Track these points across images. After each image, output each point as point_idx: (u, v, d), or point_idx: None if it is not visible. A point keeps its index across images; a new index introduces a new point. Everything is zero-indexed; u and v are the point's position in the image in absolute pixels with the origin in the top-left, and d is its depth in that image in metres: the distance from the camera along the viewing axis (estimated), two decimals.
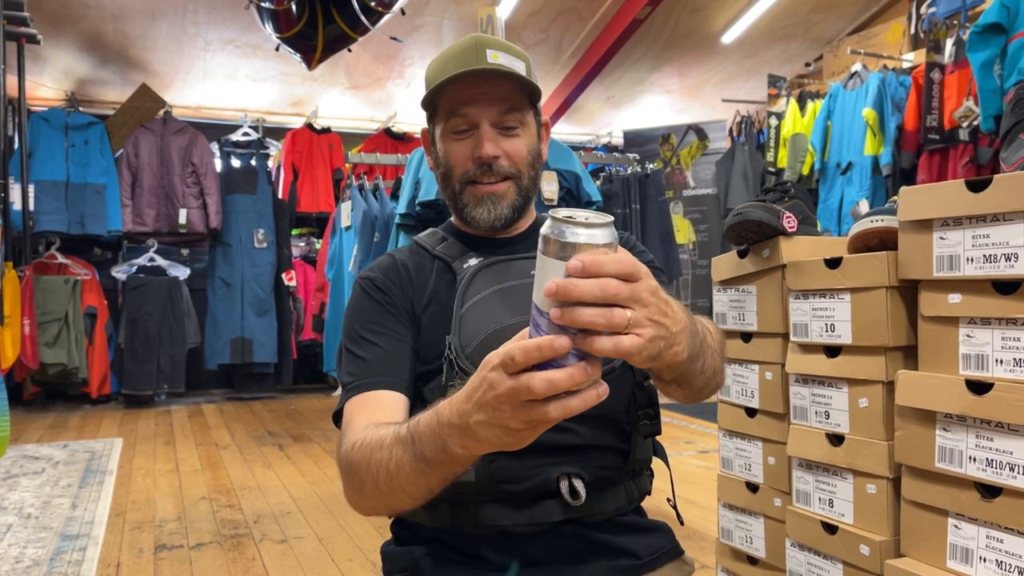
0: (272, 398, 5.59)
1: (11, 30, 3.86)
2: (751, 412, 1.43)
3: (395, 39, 3.96)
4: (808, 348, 1.26)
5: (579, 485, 0.92)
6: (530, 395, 0.57)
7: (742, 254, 1.41)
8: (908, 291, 1.13)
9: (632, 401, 0.99)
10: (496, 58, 0.98)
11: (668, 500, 1.10)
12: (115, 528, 2.61)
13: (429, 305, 1.01)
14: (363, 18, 3.66)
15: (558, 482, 0.92)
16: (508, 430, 0.62)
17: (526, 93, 1.02)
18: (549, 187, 2.54)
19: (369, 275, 1.04)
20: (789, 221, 1.32)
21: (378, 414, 0.90)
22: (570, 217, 0.58)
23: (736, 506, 1.47)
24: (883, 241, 1.18)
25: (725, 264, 1.46)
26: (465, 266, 1.03)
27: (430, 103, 1.03)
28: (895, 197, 1.23)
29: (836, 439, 1.22)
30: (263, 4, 4.16)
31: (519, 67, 0.99)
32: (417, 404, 0.97)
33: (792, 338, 1.29)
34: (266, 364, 5.49)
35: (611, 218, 0.59)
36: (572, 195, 2.67)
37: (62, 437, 4.14)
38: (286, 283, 5.51)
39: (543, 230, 0.59)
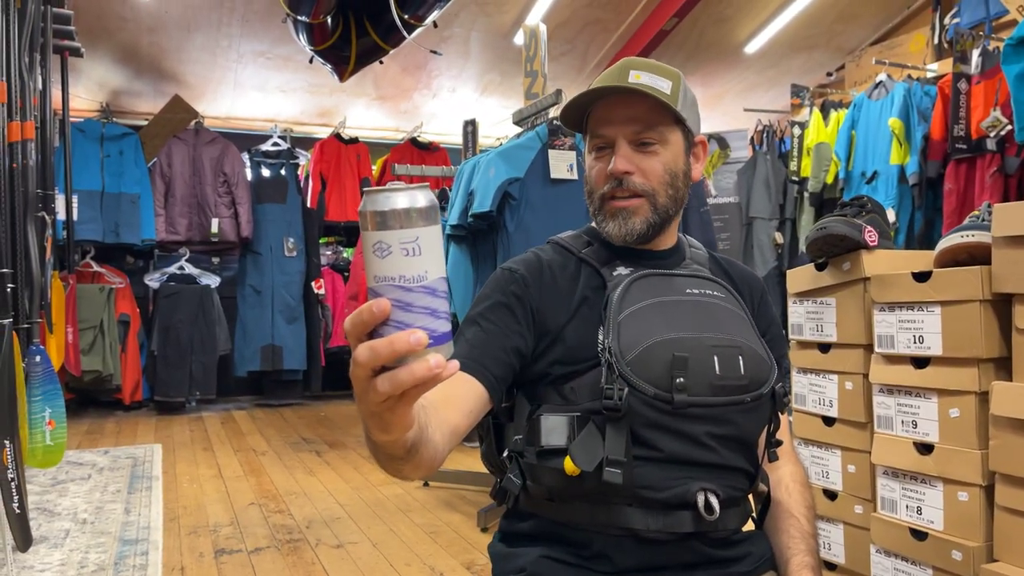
0: (301, 404, 5.64)
1: (56, 43, 3.93)
2: (829, 421, 1.47)
3: (435, 52, 4.02)
4: (894, 359, 1.30)
5: (714, 501, 0.95)
6: (356, 367, 0.57)
7: (820, 267, 1.46)
8: (1001, 304, 1.17)
9: (768, 429, 1.04)
10: (638, 78, 1.01)
11: (752, 518, 1.13)
12: (172, 533, 2.66)
13: (579, 308, 1.03)
14: (403, 31, 3.72)
15: (696, 496, 0.95)
16: (371, 414, 0.62)
17: (670, 112, 1.03)
18: None
19: (511, 267, 1.07)
20: (870, 235, 1.36)
21: (446, 388, 0.93)
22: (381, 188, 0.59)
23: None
24: (972, 256, 1.22)
25: (802, 277, 1.50)
26: (615, 273, 1.05)
27: (577, 123, 1.08)
28: (975, 212, 1.27)
29: (925, 448, 1.25)
30: (299, 18, 4.23)
31: (663, 86, 1.02)
32: (556, 400, 1.00)
33: (876, 349, 1.33)
34: (295, 371, 5.54)
35: (423, 185, 0.60)
36: None
37: (101, 443, 4.20)
38: (315, 291, 5.57)
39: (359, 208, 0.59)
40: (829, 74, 6.47)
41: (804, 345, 1.51)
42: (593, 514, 0.98)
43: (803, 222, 5.77)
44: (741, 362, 0.99)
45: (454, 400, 0.93)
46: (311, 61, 4.54)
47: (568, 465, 0.95)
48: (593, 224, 1.16)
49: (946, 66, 5.24)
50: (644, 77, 1.02)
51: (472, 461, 3.30)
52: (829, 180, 5.51)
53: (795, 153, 5.78)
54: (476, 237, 2.76)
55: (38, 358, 2.66)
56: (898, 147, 5.05)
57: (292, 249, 5.52)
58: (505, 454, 1.08)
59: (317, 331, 5.61)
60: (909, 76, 5.22)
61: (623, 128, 1.03)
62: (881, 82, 5.23)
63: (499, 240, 2.61)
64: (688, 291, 1.06)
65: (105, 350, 4.93)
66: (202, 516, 2.86)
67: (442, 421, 0.87)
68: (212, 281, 5.37)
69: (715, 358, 0.97)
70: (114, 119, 5.38)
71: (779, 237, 5.95)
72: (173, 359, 5.18)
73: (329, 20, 4.28)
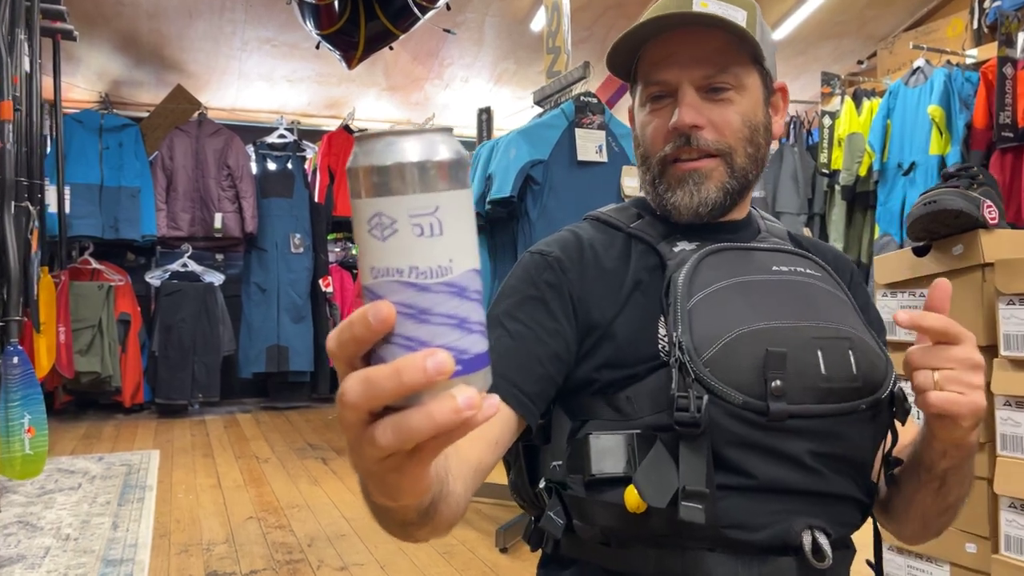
0: (308, 407, 5.41)
1: (47, 25, 3.72)
2: None
3: (448, 31, 3.79)
4: None
5: (824, 542, 0.73)
6: (345, 409, 0.38)
7: (921, 251, 1.20)
8: None
9: (884, 444, 0.80)
10: (705, 6, 0.78)
11: (868, 562, 0.89)
12: (160, 551, 2.43)
13: (632, 294, 0.81)
14: (416, 11, 3.48)
15: (801, 535, 0.73)
16: (369, 474, 0.42)
17: (746, 49, 0.81)
18: (630, 182, 2.34)
19: (542, 250, 0.84)
20: (991, 211, 1.10)
21: None
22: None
23: (910, 550, 1.25)
24: None
25: (896, 264, 1.24)
26: (676, 250, 0.82)
27: (627, 69, 0.84)
28: None
29: None
30: None
31: (737, 16, 0.79)
32: (607, 414, 0.77)
33: (1003, 352, 1.07)
34: (302, 373, 5.32)
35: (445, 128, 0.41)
36: None
37: (96, 449, 3.98)
38: (323, 289, 5.34)
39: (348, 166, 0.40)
40: (860, 62, 6.19)
41: (898, 347, 1.25)
42: (662, 561, 0.76)
43: (833, 216, 5.51)
44: (852, 358, 0.76)
45: (477, 431, 0.71)
46: (318, 47, 4.32)
47: (631, 499, 0.73)
48: (644, 196, 0.92)
49: (986, 51, 4.97)
50: (712, 4, 0.80)
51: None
52: (862, 172, 5.24)
53: (825, 144, 5.52)
54: (494, 226, 2.51)
55: (15, 359, 2.43)
56: (938, 136, 4.77)
57: (299, 245, 5.30)
58: (542, 485, 0.83)
59: (325, 331, 5.37)
60: (948, 62, 4.94)
61: (689, 71, 0.81)
62: (919, 68, 4.96)
63: (519, 229, 2.37)
64: (775, 268, 0.83)
65: (104, 350, 4.71)
66: (196, 532, 2.63)
67: (462, 461, 0.66)
68: (216, 279, 5.16)
69: (819, 353, 0.75)
70: (114, 110, 5.18)
71: (807, 233, 5.67)
72: (175, 360, 4.97)
73: (336, 2, 4.06)
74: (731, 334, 0.74)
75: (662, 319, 0.79)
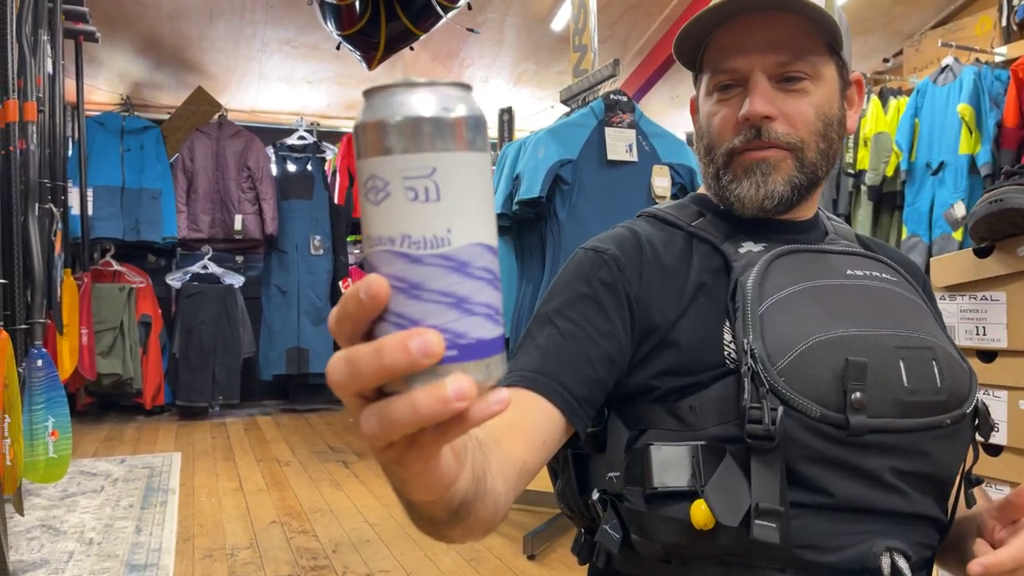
0: (328, 410, 5.39)
1: (69, 27, 3.72)
2: (994, 450, 1.16)
3: (471, 30, 3.75)
4: None
5: (904, 565, 0.69)
6: (331, 388, 0.35)
7: (983, 252, 1.14)
8: None
9: (965, 461, 0.77)
10: None
11: None
12: (185, 556, 2.40)
13: (695, 297, 0.77)
14: (439, 9, 3.46)
15: (880, 558, 0.69)
16: (380, 464, 0.40)
17: (824, 36, 0.77)
18: (661, 182, 2.29)
19: (597, 246, 0.80)
20: None
21: (508, 412, 0.66)
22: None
23: None
24: None
25: (955, 265, 1.19)
26: (742, 251, 0.78)
27: (693, 57, 0.81)
28: None
29: None
30: (326, 0, 3.99)
31: None
32: (668, 424, 0.73)
33: None
34: (322, 375, 5.29)
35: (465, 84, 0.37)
36: (686, 192, 2.42)
37: (118, 451, 3.98)
38: (343, 291, 5.32)
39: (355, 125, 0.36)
40: (886, 60, 6.10)
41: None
42: None
43: (859, 217, 5.42)
44: (936, 369, 0.72)
45: (520, 429, 0.67)
46: (338, 47, 4.30)
47: (699, 515, 0.69)
48: (703, 192, 0.88)
49: (1016, 49, 4.88)
50: None
51: None
52: (889, 172, 5.15)
53: (850, 144, 5.44)
54: (522, 227, 2.46)
55: (39, 362, 2.41)
56: (968, 135, 4.68)
57: (319, 247, 5.28)
58: (595, 496, 0.79)
59: None
60: (977, 60, 4.86)
61: (761, 58, 0.76)
62: (948, 66, 4.87)
63: (548, 230, 2.32)
64: (849, 272, 0.79)
65: (125, 352, 4.72)
66: (219, 536, 2.60)
67: (506, 459, 0.63)
68: (236, 281, 5.15)
69: (901, 364, 0.71)
70: (135, 112, 5.18)
71: None
72: (196, 362, 4.96)
73: (357, 3, 4.04)
74: (807, 342, 0.70)
75: (727, 324, 0.75)
